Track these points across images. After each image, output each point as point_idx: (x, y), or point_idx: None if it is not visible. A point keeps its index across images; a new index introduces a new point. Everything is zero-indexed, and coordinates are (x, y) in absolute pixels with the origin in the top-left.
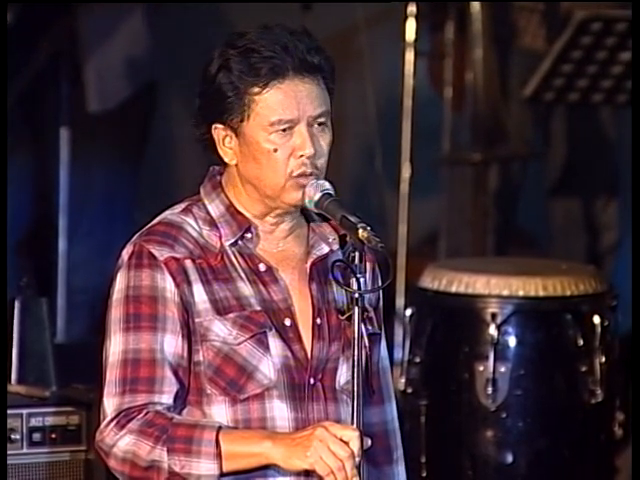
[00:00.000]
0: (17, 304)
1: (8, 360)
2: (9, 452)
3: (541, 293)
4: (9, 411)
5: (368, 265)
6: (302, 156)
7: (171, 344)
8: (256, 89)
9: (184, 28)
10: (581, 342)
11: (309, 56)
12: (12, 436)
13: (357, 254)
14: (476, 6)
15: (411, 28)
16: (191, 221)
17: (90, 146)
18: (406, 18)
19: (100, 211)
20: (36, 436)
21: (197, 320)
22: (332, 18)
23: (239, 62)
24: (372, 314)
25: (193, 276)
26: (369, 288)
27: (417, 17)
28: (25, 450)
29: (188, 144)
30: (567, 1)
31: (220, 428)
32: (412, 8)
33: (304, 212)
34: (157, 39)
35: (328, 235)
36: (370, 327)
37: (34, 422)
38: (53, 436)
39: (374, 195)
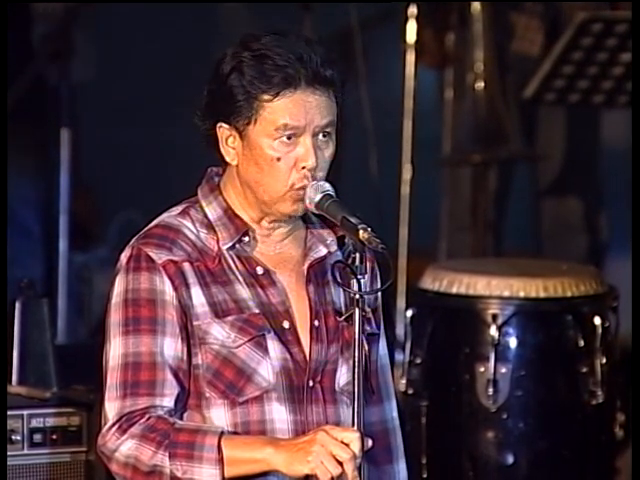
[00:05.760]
0: (18, 305)
1: (9, 361)
2: (10, 453)
3: (542, 294)
4: (10, 412)
5: (368, 265)
6: (304, 168)
7: (171, 347)
8: (267, 96)
9: (184, 28)
10: (582, 343)
11: (322, 69)
12: (13, 437)
13: (357, 255)
14: (477, 7)
15: (412, 29)
16: (189, 224)
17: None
18: (407, 19)
19: None
20: (37, 437)
21: (195, 323)
22: (331, 18)
23: (252, 67)
24: (370, 314)
25: (191, 279)
26: (368, 288)
27: (418, 18)
28: (26, 451)
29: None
30: (563, 1)
31: (222, 433)
32: (413, 9)
33: (302, 215)
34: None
35: (326, 237)
36: (368, 327)
37: (35, 423)
38: (54, 437)
39: (370, 197)
